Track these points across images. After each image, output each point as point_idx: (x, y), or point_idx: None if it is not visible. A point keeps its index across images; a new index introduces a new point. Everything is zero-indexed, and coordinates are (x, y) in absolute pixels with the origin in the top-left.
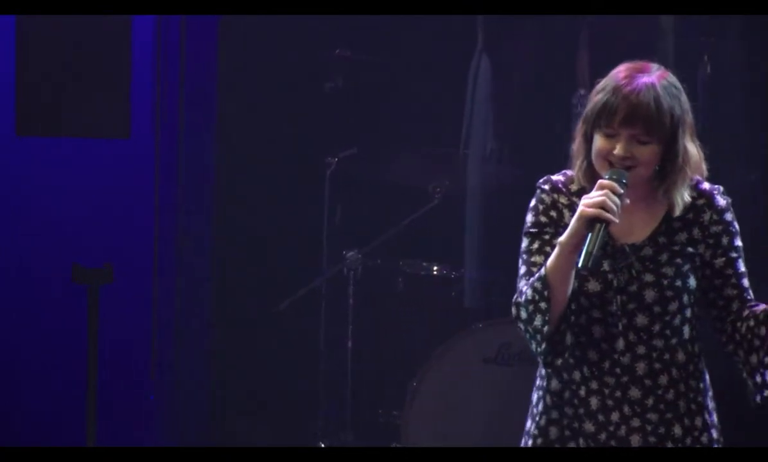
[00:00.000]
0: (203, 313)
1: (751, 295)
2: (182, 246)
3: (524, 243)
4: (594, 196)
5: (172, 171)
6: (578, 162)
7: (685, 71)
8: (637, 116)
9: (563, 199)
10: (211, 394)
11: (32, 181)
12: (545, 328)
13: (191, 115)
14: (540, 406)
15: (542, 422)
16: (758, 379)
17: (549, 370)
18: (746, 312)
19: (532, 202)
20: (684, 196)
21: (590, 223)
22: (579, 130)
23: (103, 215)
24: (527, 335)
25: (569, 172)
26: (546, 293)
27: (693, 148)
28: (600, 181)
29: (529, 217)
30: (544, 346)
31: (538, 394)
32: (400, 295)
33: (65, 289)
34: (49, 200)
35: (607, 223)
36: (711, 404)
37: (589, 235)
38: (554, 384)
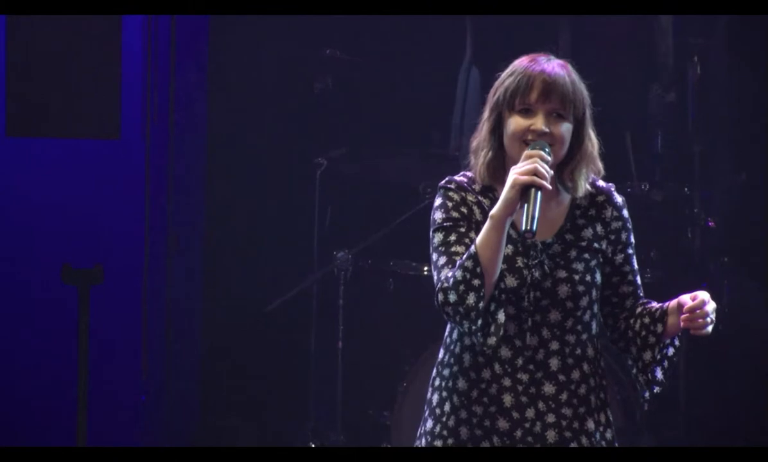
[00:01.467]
0: (194, 314)
1: (642, 291)
2: (173, 246)
3: (438, 237)
4: (525, 163)
5: (162, 171)
6: (482, 154)
7: (675, 72)
8: (555, 91)
9: (470, 197)
10: (202, 395)
11: (22, 181)
12: (480, 304)
13: (181, 115)
14: (446, 407)
15: (451, 423)
16: (649, 375)
17: (456, 369)
18: (639, 309)
19: (438, 201)
20: (586, 183)
21: (524, 190)
22: (485, 122)
23: (93, 216)
24: (458, 317)
25: (469, 174)
26: (478, 269)
27: (594, 137)
28: (527, 151)
29: (439, 215)
30: (479, 322)
31: (440, 395)
32: (391, 296)
33: (55, 290)
34: (39, 201)
35: (541, 188)
36: (608, 401)
37: (525, 201)
38: (461, 384)
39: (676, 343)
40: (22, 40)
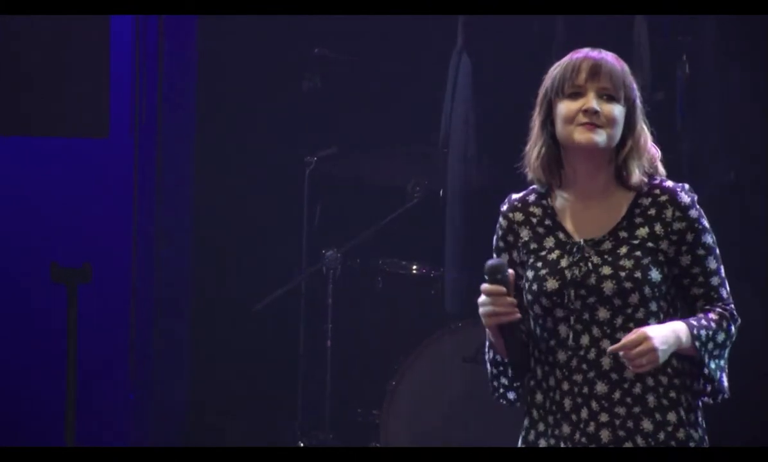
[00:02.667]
0: (182, 312)
1: (721, 293)
2: (161, 245)
3: None
4: (483, 305)
5: (151, 170)
6: (535, 151)
7: (664, 71)
8: (603, 70)
9: (518, 217)
10: (191, 394)
11: (10, 180)
12: (511, 396)
13: (170, 114)
14: (526, 422)
15: (531, 437)
16: (713, 384)
17: (533, 383)
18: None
19: (498, 224)
20: (641, 172)
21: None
22: (535, 119)
23: (81, 214)
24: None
25: (533, 186)
26: (501, 368)
27: (647, 131)
28: (482, 286)
29: (494, 240)
30: (515, 401)
31: (526, 409)
32: (379, 294)
33: (43, 289)
34: (27, 200)
35: (510, 322)
36: (688, 402)
37: (503, 337)
38: (539, 397)
39: (708, 363)
40: (10, 39)
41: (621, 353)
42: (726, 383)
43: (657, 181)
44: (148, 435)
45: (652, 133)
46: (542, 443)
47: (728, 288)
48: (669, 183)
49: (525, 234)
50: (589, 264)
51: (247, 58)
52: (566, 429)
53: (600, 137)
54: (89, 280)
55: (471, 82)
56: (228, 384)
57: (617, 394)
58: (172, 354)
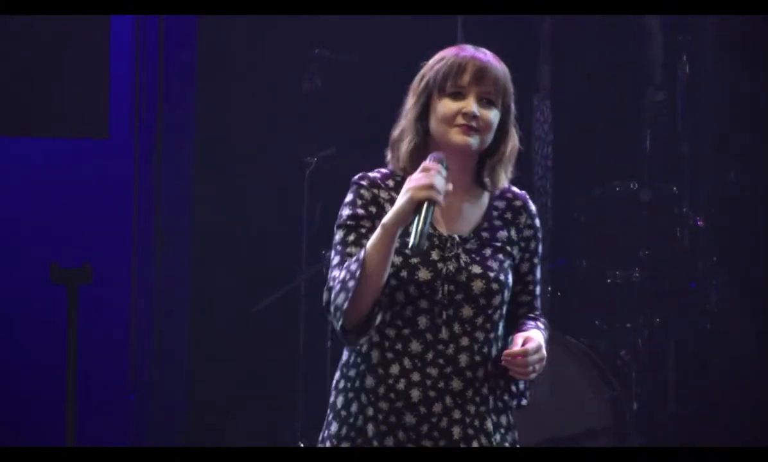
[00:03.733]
0: (182, 313)
1: (538, 304)
2: (161, 245)
3: (339, 235)
4: (421, 177)
5: (151, 170)
6: (406, 142)
7: (664, 71)
8: (488, 75)
9: (384, 194)
10: (191, 394)
11: (10, 180)
12: (345, 305)
13: (170, 115)
14: (353, 407)
15: (359, 422)
16: (519, 386)
17: (363, 368)
18: (520, 323)
19: (349, 197)
20: (506, 180)
21: (419, 203)
22: (410, 109)
23: (82, 215)
24: (329, 315)
25: (384, 170)
26: (358, 273)
27: (516, 137)
28: (424, 163)
29: (346, 211)
30: (341, 321)
31: (345, 396)
32: None
33: (44, 289)
34: (27, 200)
35: (435, 203)
36: (511, 407)
37: (417, 215)
38: (369, 381)
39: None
40: (10, 40)
41: (518, 359)
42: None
43: (506, 185)
44: (148, 435)
45: (520, 138)
46: (369, 428)
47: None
48: (516, 189)
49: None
50: (461, 261)
51: (246, 58)
52: (410, 419)
53: (475, 141)
54: (90, 280)
55: None
56: (228, 384)
57: (470, 393)
58: (172, 354)
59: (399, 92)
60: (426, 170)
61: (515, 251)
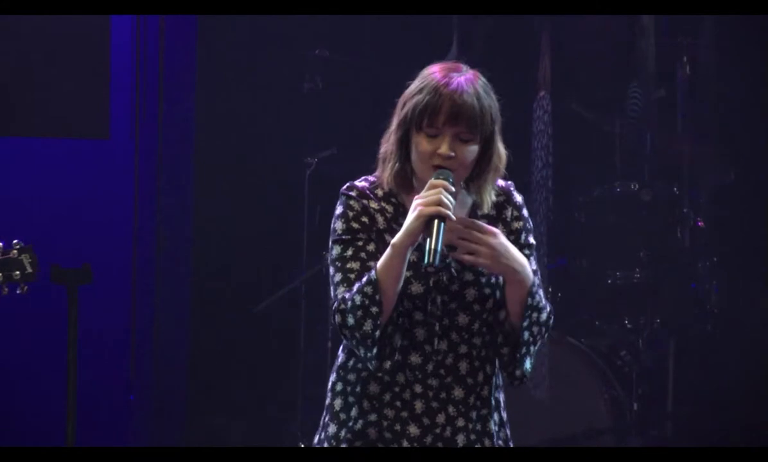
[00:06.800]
0: (183, 313)
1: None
2: (161, 246)
3: (336, 250)
4: (429, 194)
5: (151, 171)
6: (390, 165)
7: (664, 71)
8: (462, 115)
9: (373, 204)
10: (191, 394)
11: (10, 181)
12: (376, 333)
13: (170, 115)
14: (353, 411)
15: (358, 426)
16: (516, 369)
17: (365, 374)
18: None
19: (339, 210)
20: (492, 196)
21: (429, 221)
22: (393, 132)
23: (82, 215)
24: (354, 341)
25: (371, 178)
26: (377, 297)
27: (502, 149)
28: (431, 180)
29: (339, 225)
30: (374, 350)
31: (344, 399)
32: None
33: (44, 290)
34: (27, 200)
35: (445, 219)
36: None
37: (429, 233)
38: (373, 387)
39: (525, 323)
40: (11, 40)
41: (465, 231)
42: (529, 368)
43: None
44: (148, 435)
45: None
46: (372, 433)
47: (542, 292)
48: (501, 181)
49: (381, 223)
50: (452, 270)
51: (247, 59)
52: (414, 430)
53: (450, 179)
54: (90, 281)
55: None
56: (228, 384)
57: (472, 399)
58: (172, 354)
59: (399, 92)
60: (433, 186)
61: None
